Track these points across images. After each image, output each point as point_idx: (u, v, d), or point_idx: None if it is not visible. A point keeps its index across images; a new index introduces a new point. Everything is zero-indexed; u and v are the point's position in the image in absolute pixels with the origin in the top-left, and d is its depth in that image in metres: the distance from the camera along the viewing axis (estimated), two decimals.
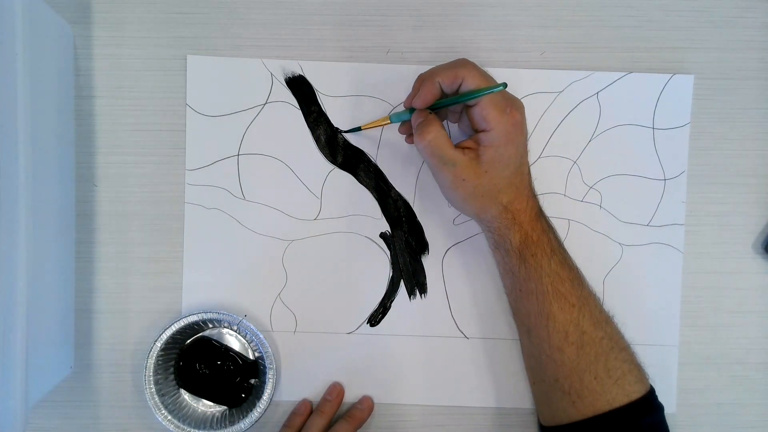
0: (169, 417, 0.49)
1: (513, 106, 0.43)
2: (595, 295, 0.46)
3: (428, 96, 0.44)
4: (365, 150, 0.52)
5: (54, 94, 0.48)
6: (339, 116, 0.52)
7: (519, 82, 0.52)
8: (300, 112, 0.52)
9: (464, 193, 0.44)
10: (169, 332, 0.49)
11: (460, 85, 0.43)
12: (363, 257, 0.52)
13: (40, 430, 0.52)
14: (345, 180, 0.52)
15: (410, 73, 0.52)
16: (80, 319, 0.52)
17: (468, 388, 0.52)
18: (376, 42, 0.52)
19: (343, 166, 0.52)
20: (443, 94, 0.44)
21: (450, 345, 0.53)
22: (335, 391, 0.51)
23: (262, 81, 0.52)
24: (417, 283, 0.53)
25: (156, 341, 0.49)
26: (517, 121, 0.43)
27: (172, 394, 0.51)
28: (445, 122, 0.50)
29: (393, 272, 0.52)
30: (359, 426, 0.51)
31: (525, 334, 0.47)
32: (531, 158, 0.52)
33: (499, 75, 0.52)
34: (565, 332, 0.43)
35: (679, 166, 0.53)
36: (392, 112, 0.48)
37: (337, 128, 0.52)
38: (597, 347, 0.43)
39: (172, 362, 0.51)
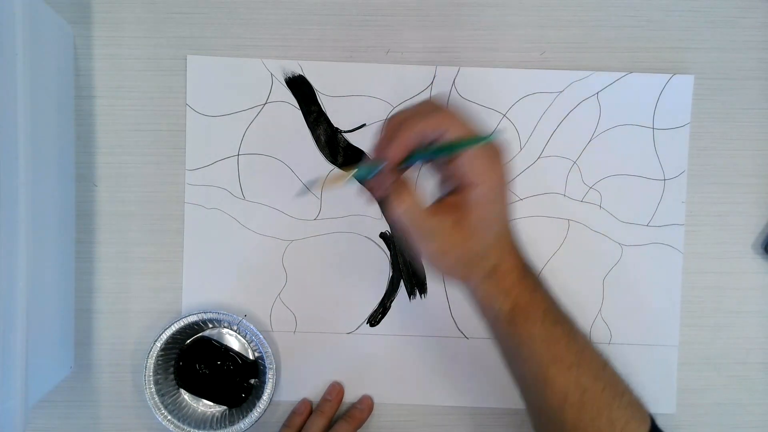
0: (169, 417, 0.49)
1: (498, 156, 0.37)
2: (589, 340, 0.42)
3: (403, 149, 0.36)
4: (365, 150, 0.52)
5: (54, 94, 0.48)
6: (339, 116, 0.52)
7: (519, 82, 0.52)
8: (300, 112, 0.52)
9: (445, 266, 0.39)
10: (169, 332, 0.49)
11: (441, 135, 0.36)
12: (363, 257, 0.52)
13: (40, 430, 0.52)
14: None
15: (410, 73, 0.52)
16: (80, 319, 0.52)
17: (468, 388, 0.52)
18: (376, 42, 0.52)
19: (343, 166, 0.52)
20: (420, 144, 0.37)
21: (450, 345, 0.53)
22: (335, 390, 0.51)
23: (262, 81, 0.52)
24: (417, 283, 0.53)
25: (156, 341, 0.49)
26: (503, 174, 0.37)
27: (172, 394, 0.51)
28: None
29: (393, 272, 0.53)
30: (359, 426, 0.51)
31: (522, 392, 0.44)
32: (531, 159, 0.52)
33: (499, 75, 0.52)
34: (564, 394, 0.40)
35: (679, 166, 0.53)
36: (360, 167, 0.38)
37: (306, 184, 0.49)
38: (599, 401, 0.40)
39: (172, 362, 0.51)
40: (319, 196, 0.50)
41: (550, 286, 0.42)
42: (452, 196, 0.38)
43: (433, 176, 0.40)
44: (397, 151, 0.36)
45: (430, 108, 0.37)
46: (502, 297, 0.39)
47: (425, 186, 0.50)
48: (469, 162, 0.36)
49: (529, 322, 0.40)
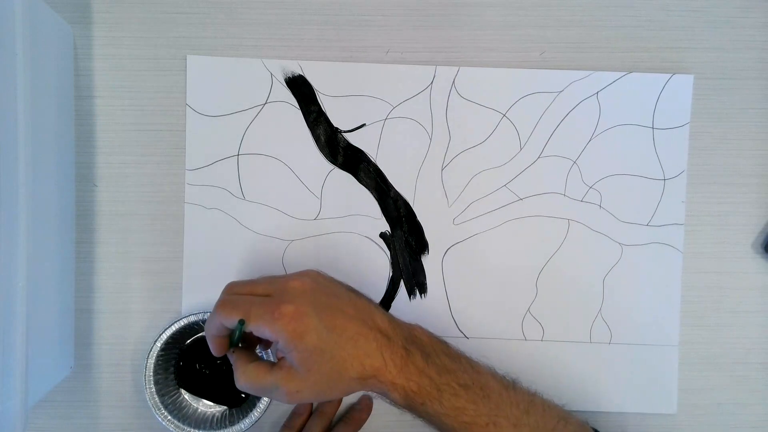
0: (169, 417, 0.48)
1: (277, 306, 0.38)
2: (505, 391, 0.42)
3: (218, 345, 0.40)
4: (365, 150, 0.52)
5: (54, 94, 0.48)
6: (339, 116, 0.52)
7: (519, 82, 0.52)
8: (300, 112, 0.52)
9: (311, 393, 0.39)
10: (169, 332, 0.49)
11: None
12: (363, 257, 0.52)
13: (40, 430, 0.52)
14: (345, 180, 0.52)
15: (410, 73, 0.52)
16: (80, 319, 0.52)
17: None
18: (376, 42, 0.52)
19: (343, 166, 0.52)
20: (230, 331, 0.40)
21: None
22: None
23: (261, 81, 0.52)
24: (417, 283, 0.53)
25: (156, 341, 0.49)
26: (292, 316, 0.37)
27: (172, 394, 0.51)
28: None
29: (393, 272, 0.52)
30: (359, 427, 0.51)
31: None
32: (531, 158, 0.52)
33: (499, 75, 0.52)
34: None
35: (678, 166, 0.53)
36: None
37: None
38: None
39: (172, 362, 0.51)
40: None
41: (449, 349, 0.43)
42: (270, 353, 0.44)
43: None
44: (215, 349, 0.41)
45: (217, 306, 0.40)
46: (390, 390, 0.40)
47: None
48: (256, 330, 0.38)
49: (426, 405, 0.40)
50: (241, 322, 0.38)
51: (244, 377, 0.39)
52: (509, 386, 0.43)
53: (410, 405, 0.40)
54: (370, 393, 0.44)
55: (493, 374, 0.43)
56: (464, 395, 0.40)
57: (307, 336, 0.38)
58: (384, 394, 0.41)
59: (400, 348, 0.40)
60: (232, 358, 0.41)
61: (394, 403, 0.41)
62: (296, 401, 0.41)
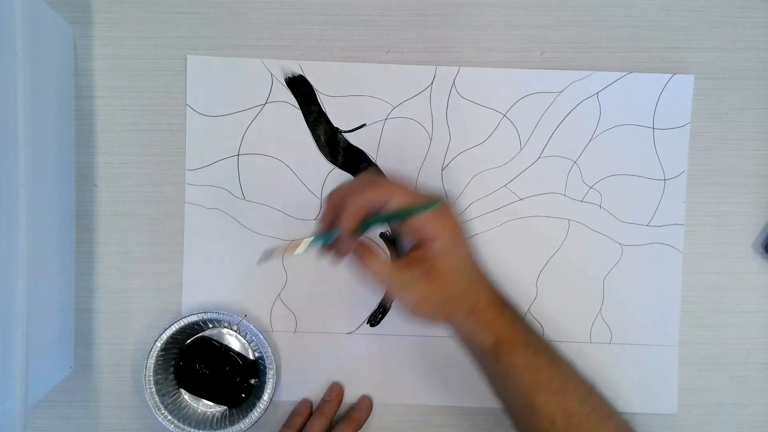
0: (169, 417, 0.49)
1: (446, 209, 0.40)
2: (573, 366, 0.44)
3: (353, 220, 0.39)
4: (365, 150, 0.52)
5: (54, 94, 0.48)
6: (339, 116, 0.52)
7: (519, 82, 0.52)
8: (300, 112, 0.52)
9: (429, 310, 0.41)
10: (169, 332, 0.49)
11: (386, 203, 0.39)
12: None
13: (40, 430, 0.52)
14: (345, 180, 0.52)
15: (410, 73, 0.52)
16: (80, 319, 0.52)
17: (468, 388, 0.52)
18: (376, 42, 0.52)
19: (343, 166, 0.52)
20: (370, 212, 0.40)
21: (450, 345, 0.52)
22: (335, 391, 0.51)
23: (262, 81, 0.52)
24: None
25: (156, 341, 0.49)
26: (456, 224, 0.40)
27: (172, 394, 0.51)
28: None
29: None
30: (359, 427, 0.51)
31: (512, 421, 0.45)
32: (531, 158, 0.52)
33: (499, 75, 0.52)
34: (551, 420, 0.41)
35: (679, 166, 0.53)
36: (314, 237, 0.40)
37: (261, 258, 0.43)
38: (585, 425, 0.41)
39: (172, 362, 0.51)
40: (282, 262, 0.51)
41: (528, 319, 0.44)
42: (416, 251, 0.40)
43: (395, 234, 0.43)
44: (348, 221, 0.39)
45: (368, 181, 0.41)
46: (485, 331, 0.42)
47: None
48: (424, 219, 0.39)
49: (512, 353, 0.42)
50: (441, 202, 0.39)
51: (378, 267, 0.39)
52: (574, 367, 0.44)
53: (497, 350, 0.42)
54: (450, 331, 0.44)
55: (557, 349, 0.44)
56: (543, 356, 0.43)
57: (463, 248, 0.41)
58: (475, 337, 0.42)
59: (499, 297, 0.43)
60: (360, 244, 0.40)
61: (481, 346, 0.42)
62: (413, 309, 0.41)
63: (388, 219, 0.40)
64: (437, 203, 0.39)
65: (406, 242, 0.42)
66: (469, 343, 0.44)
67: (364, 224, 0.40)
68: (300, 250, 0.40)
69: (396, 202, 0.39)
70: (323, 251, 0.41)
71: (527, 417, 0.43)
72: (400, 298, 0.41)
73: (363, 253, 0.40)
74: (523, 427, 0.44)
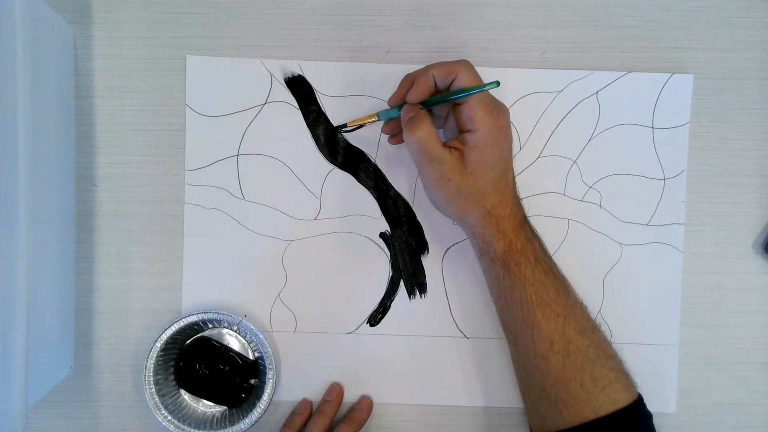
0: (169, 417, 0.49)
1: (500, 110, 0.43)
2: (581, 304, 0.46)
3: (423, 89, 0.43)
4: (365, 150, 0.52)
5: (54, 94, 0.48)
6: (338, 116, 0.52)
7: (519, 82, 0.52)
8: (299, 112, 0.52)
9: (448, 193, 0.43)
10: (169, 332, 0.49)
11: (452, 83, 0.43)
12: (363, 257, 0.52)
13: (40, 430, 0.52)
14: (345, 180, 0.52)
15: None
16: (80, 319, 0.52)
17: (468, 388, 0.52)
18: (376, 42, 0.52)
19: (342, 166, 0.52)
20: (436, 91, 0.44)
21: (450, 345, 0.52)
22: (335, 391, 0.51)
23: (261, 81, 0.52)
24: (417, 283, 0.53)
25: (156, 341, 0.49)
26: (502, 125, 0.43)
27: (172, 394, 0.51)
28: None
29: (393, 272, 0.52)
30: (360, 427, 0.51)
31: (512, 343, 0.47)
32: (531, 158, 0.52)
33: (499, 75, 0.52)
34: (550, 341, 0.43)
35: (678, 166, 0.53)
36: (381, 110, 0.47)
37: (336, 127, 0.52)
38: (583, 356, 0.43)
39: (172, 362, 0.51)
40: (345, 132, 0.52)
41: (540, 241, 0.46)
42: (459, 137, 0.44)
43: (442, 131, 0.47)
44: (417, 93, 0.43)
45: (443, 63, 0.43)
46: (499, 237, 0.44)
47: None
48: (472, 109, 0.42)
49: (521, 265, 0.44)
50: (497, 84, 0.42)
51: (425, 132, 0.42)
52: (583, 303, 0.46)
53: (506, 260, 0.44)
54: (471, 235, 0.47)
55: (572, 287, 0.46)
56: (552, 279, 0.45)
57: (499, 150, 0.43)
58: (487, 242, 0.45)
59: (521, 213, 0.45)
60: (419, 112, 0.43)
61: (491, 253, 0.45)
62: (434, 185, 0.43)
63: (446, 97, 0.43)
64: (490, 84, 0.41)
65: (457, 130, 0.45)
66: (481, 246, 0.46)
67: (429, 100, 0.44)
68: (371, 120, 0.48)
69: (460, 79, 0.42)
70: (386, 127, 0.48)
71: (527, 335, 0.44)
72: (426, 171, 0.43)
73: (416, 118, 0.43)
74: (522, 346, 0.45)
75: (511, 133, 0.44)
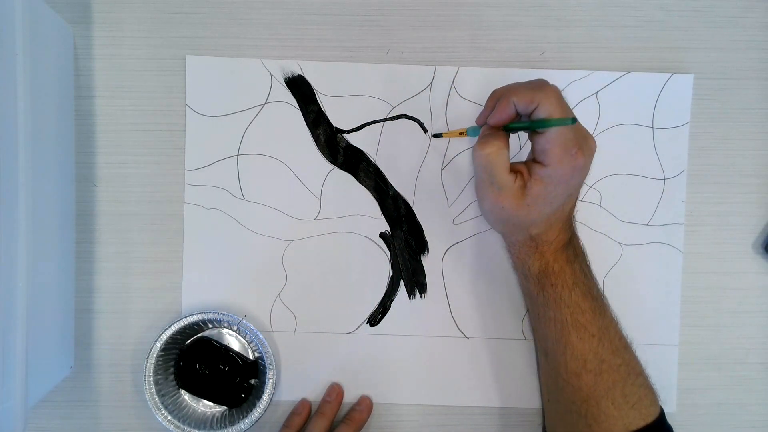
0: (169, 417, 0.49)
1: (581, 147, 0.40)
2: (616, 322, 0.45)
3: (503, 115, 0.41)
4: (365, 150, 0.52)
5: (54, 94, 0.48)
6: (338, 116, 0.52)
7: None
8: (300, 112, 0.52)
9: (498, 217, 0.43)
10: (169, 332, 0.49)
11: (535, 109, 0.39)
12: (363, 257, 0.52)
13: (40, 430, 0.52)
14: (345, 180, 0.52)
15: (410, 73, 0.52)
16: (80, 319, 0.52)
17: (468, 388, 0.52)
18: (376, 42, 0.52)
19: (342, 166, 0.52)
20: (517, 115, 0.41)
21: (450, 345, 0.52)
22: (335, 392, 0.51)
23: (261, 81, 0.52)
24: (417, 283, 0.53)
25: (156, 341, 0.49)
26: (578, 165, 0.40)
27: (172, 394, 0.51)
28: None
29: (393, 272, 0.52)
30: (360, 427, 0.51)
31: (542, 355, 0.47)
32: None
33: (499, 75, 0.52)
34: (583, 360, 0.43)
35: (678, 166, 0.53)
36: (470, 126, 0.46)
37: (434, 134, 0.52)
38: (615, 374, 0.43)
39: (172, 362, 0.51)
40: (446, 141, 0.52)
41: (591, 269, 0.45)
42: (528, 164, 0.42)
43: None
44: (497, 119, 0.41)
45: (535, 85, 0.40)
46: (535, 258, 0.43)
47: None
48: (548, 143, 0.39)
49: (557, 287, 0.43)
50: (573, 120, 0.38)
51: (495, 150, 0.40)
52: (617, 320, 0.46)
53: (541, 279, 0.44)
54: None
55: (609, 305, 0.46)
56: (589, 301, 0.44)
57: (563, 188, 0.40)
58: (523, 261, 0.44)
59: (568, 236, 0.44)
60: (497, 132, 0.41)
61: (525, 271, 0.45)
62: (489, 208, 0.42)
63: (529, 126, 0.41)
64: (565, 121, 0.38)
65: (532, 156, 0.42)
66: (516, 263, 0.46)
67: (510, 125, 0.41)
68: (458, 134, 0.47)
69: (541, 110, 0.39)
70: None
71: (560, 352, 0.44)
72: (482, 190, 0.43)
73: (491, 135, 0.41)
74: (552, 363, 0.45)
75: (586, 171, 0.41)
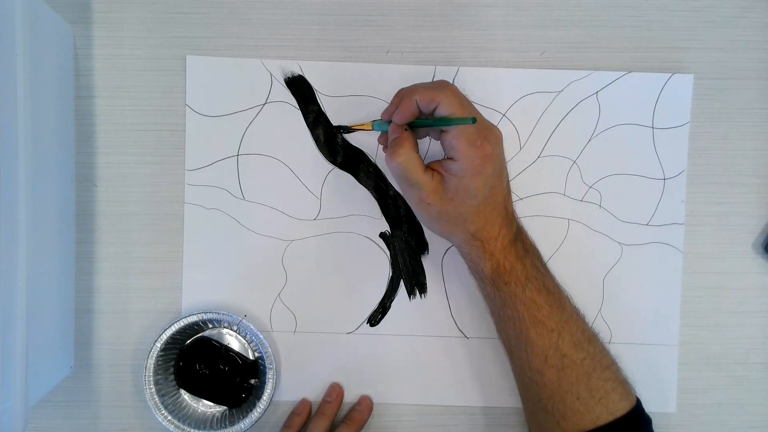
0: (169, 417, 0.49)
1: (485, 137, 0.41)
2: (577, 315, 0.45)
3: (405, 113, 0.42)
4: (365, 150, 0.52)
5: (54, 94, 0.48)
6: (338, 116, 0.52)
7: (519, 82, 0.52)
8: (300, 112, 0.52)
9: (429, 216, 0.43)
10: (169, 332, 0.49)
11: (436, 108, 0.41)
12: (363, 257, 0.52)
13: (40, 430, 0.52)
14: (345, 180, 0.52)
15: (410, 73, 0.52)
16: (80, 319, 0.52)
17: (468, 388, 0.52)
18: (376, 42, 0.52)
19: (342, 166, 0.52)
20: (422, 113, 0.42)
21: (450, 345, 0.52)
22: (335, 392, 0.51)
23: (261, 81, 0.52)
24: (417, 283, 0.53)
25: (156, 341, 0.49)
26: (486, 154, 0.41)
27: (172, 394, 0.51)
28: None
29: (393, 272, 0.52)
30: (361, 427, 0.51)
31: (508, 354, 0.47)
32: (531, 158, 0.52)
33: (499, 75, 0.52)
34: (544, 356, 0.43)
35: (678, 166, 0.53)
36: (375, 120, 0.47)
37: (335, 127, 0.52)
38: (578, 369, 0.43)
39: (172, 362, 0.51)
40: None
41: (545, 265, 0.46)
42: (441, 162, 0.43)
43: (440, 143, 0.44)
44: (401, 116, 0.42)
45: (436, 85, 0.42)
46: (485, 258, 0.44)
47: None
48: (454, 138, 0.41)
49: (510, 285, 0.43)
50: (473, 120, 0.39)
51: (404, 158, 0.41)
52: (580, 313, 0.46)
53: (495, 279, 0.44)
54: (460, 248, 0.46)
55: (569, 298, 0.46)
56: (545, 296, 0.44)
57: (481, 178, 0.41)
58: (475, 262, 0.45)
59: (512, 232, 0.44)
60: (402, 134, 0.43)
61: (480, 273, 0.45)
62: (419, 208, 0.44)
63: (426, 124, 0.42)
64: (466, 120, 0.39)
65: (444, 152, 0.43)
66: (470, 266, 0.46)
67: (414, 122, 0.43)
68: (366, 128, 0.48)
69: (441, 108, 0.40)
70: (381, 138, 0.47)
71: (522, 349, 0.44)
72: (406, 194, 0.44)
73: (398, 142, 0.42)
74: (517, 360, 0.45)
75: (498, 158, 0.42)
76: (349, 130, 0.50)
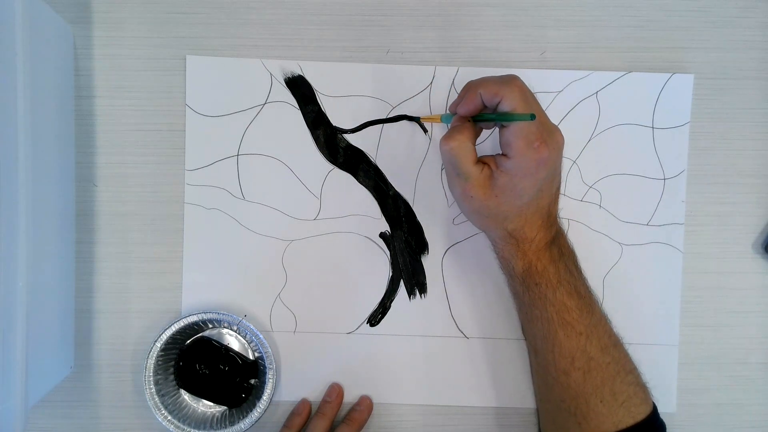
0: (169, 417, 0.49)
1: (544, 140, 0.40)
2: (605, 320, 0.45)
3: (469, 106, 0.42)
4: (365, 150, 0.52)
5: (54, 94, 0.48)
6: (338, 116, 0.52)
7: None
8: (300, 112, 0.52)
9: (470, 208, 0.43)
10: (169, 332, 0.49)
11: (499, 103, 0.40)
12: (363, 257, 0.52)
13: (40, 430, 0.52)
14: (345, 180, 0.52)
15: (410, 73, 0.52)
16: (80, 319, 0.52)
17: (468, 388, 0.52)
18: (376, 42, 0.52)
19: (342, 166, 0.52)
20: (486, 107, 0.42)
21: (450, 345, 0.52)
22: (335, 392, 0.51)
23: (261, 81, 0.52)
24: (417, 283, 0.53)
25: (156, 341, 0.49)
26: (542, 157, 0.40)
27: (172, 394, 0.51)
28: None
29: (393, 272, 0.52)
30: (361, 427, 0.51)
31: (532, 354, 0.47)
32: None
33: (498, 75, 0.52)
34: (571, 358, 0.43)
35: (678, 166, 0.53)
36: (444, 114, 0.47)
37: (403, 116, 0.52)
38: (604, 372, 0.43)
39: (172, 362, 0.51)
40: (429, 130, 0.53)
41: (580, 268, 0.45)
42: (496, 157, 0.42)
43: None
44: (465, 109, 0.42)
45: (503, 79, 0.41)
46: (518, 257, 0.44)
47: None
48: (511, 135, 0.40)
49: (541, 286, 0.43)
50: (531, 117, 0.38)
51: (458, 143, 0.41)
52: (607, 318, 0.46)
53: (525, 279, 0.44)
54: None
55: (598, 302, 0.46)
56: (576, 299, 0.44)
57: (531, 180, 0.40)
58: (507, 259, 0.45)
59: (550, 235, 0.44)
60: (464, 124, 0.42)
61: (510, 271, 0.45)
62: (461, 197, 0.43)
63: (488, 118, 0.42)
64: (524, 116, 0.39)
65: (501, 147, 0.43)
66: (501, 262, 0.46)
67: (479, 116, 0.42)
68: (435, 120, 0.49)
69: (504, 103, 0.40)
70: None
71: (548, 350, 0.44)
72: (451, 182, 0.44)
73: (457, 128, 0.42)
74: (542, 361, 0.45)
75: (553, 164, 0.41)
76: (419, 121, 0.51)
